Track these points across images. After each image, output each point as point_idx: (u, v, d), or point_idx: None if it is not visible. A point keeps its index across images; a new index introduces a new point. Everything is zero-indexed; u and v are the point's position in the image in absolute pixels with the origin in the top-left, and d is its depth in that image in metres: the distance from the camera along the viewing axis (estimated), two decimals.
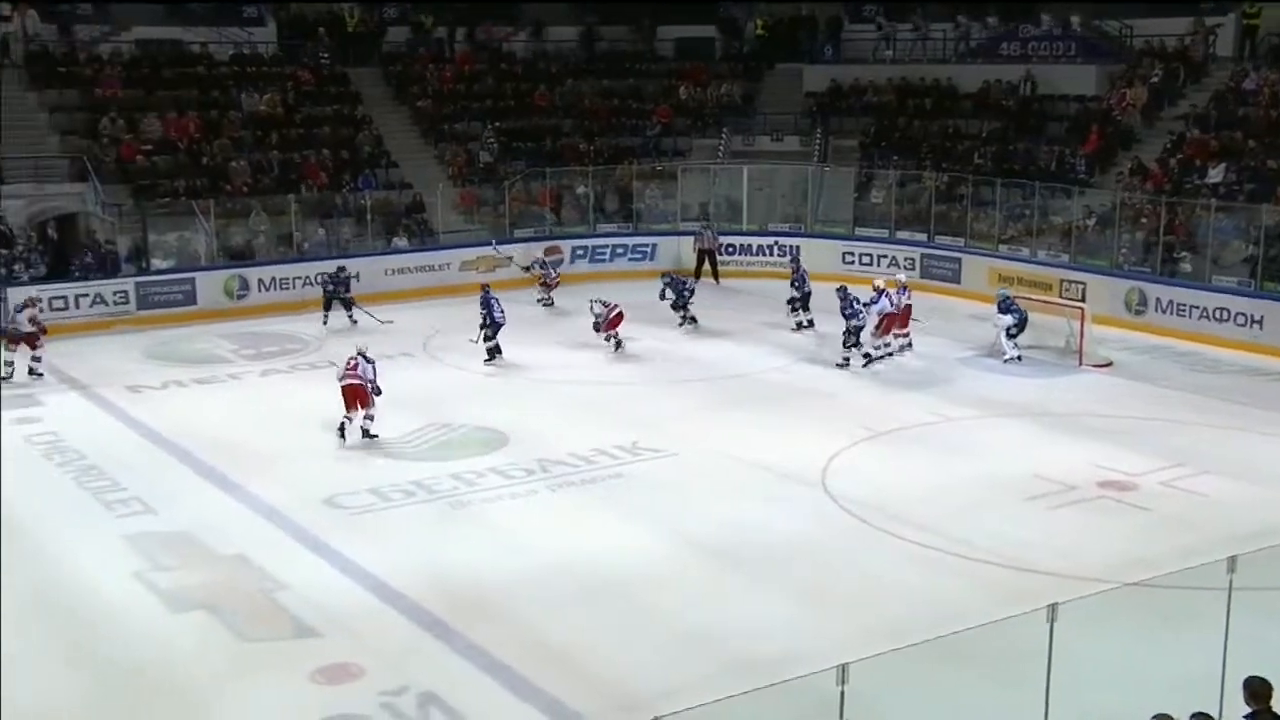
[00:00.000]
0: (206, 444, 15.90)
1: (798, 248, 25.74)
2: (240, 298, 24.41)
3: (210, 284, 24.37)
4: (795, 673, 8.61)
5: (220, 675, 9.89)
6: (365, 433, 16.10)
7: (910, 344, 20.46)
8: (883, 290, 20.00)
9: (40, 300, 20.78)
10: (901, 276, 21.73)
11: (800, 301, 22.43)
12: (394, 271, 26.22)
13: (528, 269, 26.10)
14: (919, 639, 8.55)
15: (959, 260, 25.68)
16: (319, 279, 24.08)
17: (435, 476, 14.56)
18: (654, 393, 18.65)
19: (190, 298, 24.00)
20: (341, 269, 23.94)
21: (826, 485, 14.23)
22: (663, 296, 22.58)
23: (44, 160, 26.51)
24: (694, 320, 22.40)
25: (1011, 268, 24.40)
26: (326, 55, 32.62)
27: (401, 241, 27.70)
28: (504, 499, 13.94)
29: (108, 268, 24.21)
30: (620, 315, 20.99)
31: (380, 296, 24.01)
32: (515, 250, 26.96)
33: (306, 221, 27.01)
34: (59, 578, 11.89)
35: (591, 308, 21.28)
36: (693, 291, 22.70)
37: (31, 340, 19.58)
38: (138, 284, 23.82)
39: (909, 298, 20.72)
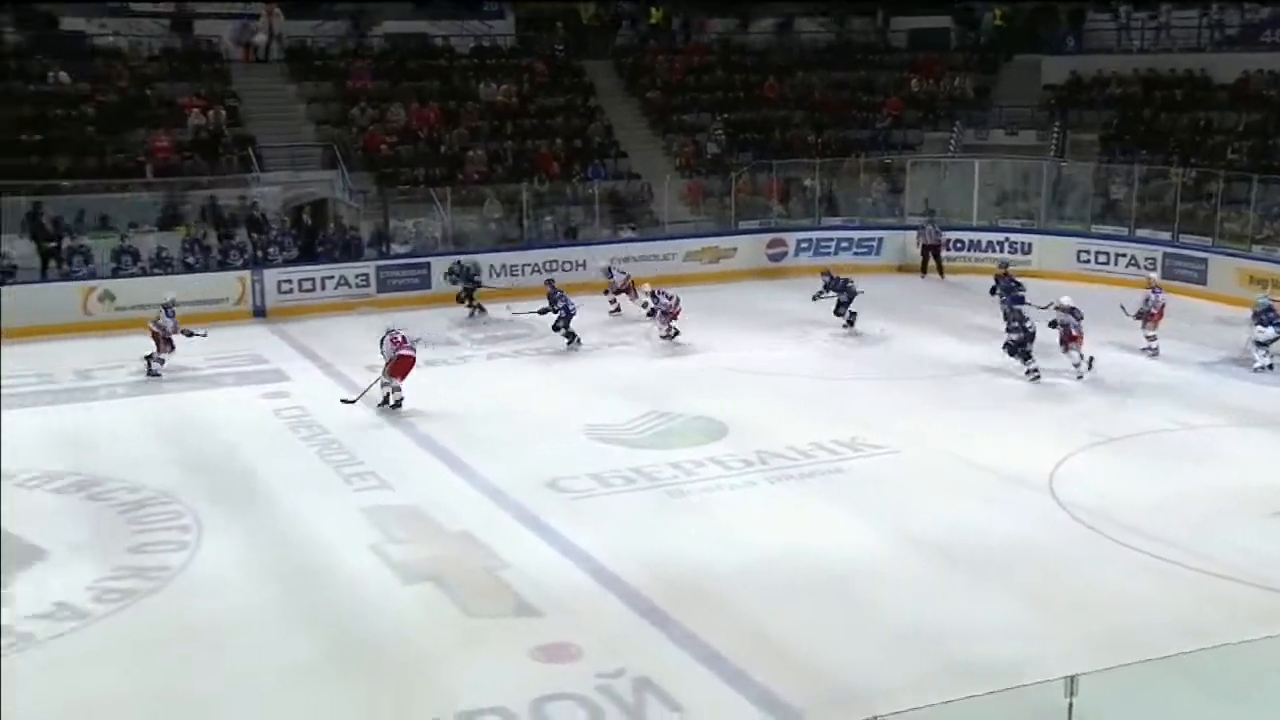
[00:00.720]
0: (436, 424, 16.48)
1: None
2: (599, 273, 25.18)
3: (444, 269, 25.17)
4: (1018, 679, 8.37)
5: (446, 646, 10.22)
6: (398, 403, 17.07)
7: (1156, 349, 19.50)
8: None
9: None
10: (1155, 275, 20.89)
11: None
12: (619, 261, 26.53)
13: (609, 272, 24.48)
14: (1151, 654, 8.15)
15: (1205, 261, 24.36)
16: (451, 272, 24.29)
17: (655, 464, 14.69)
18: (875, 388, 18.36)
19: (425, 282, 24.89)
20: (460, 262, 24.25)
21: (1054, 489, 13.72)
22: (816, 297, 21.77)
23: (299, 149, 27.95)
24: (850, 322, 21.52)
25: (1265, 269, 23.02)
26: (561, 48, 33.31)
27: (628, 231, 28.06)
28: (723, 489, 13.96)
29: (352, 252, 25.35)
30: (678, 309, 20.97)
31: (605, 285, 24.33)
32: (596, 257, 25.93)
33: (536, 210, 27.66)
34: (300, 543, 12.50)
35: (653, 297, 21.21)
36: (851, 294, 21.61)
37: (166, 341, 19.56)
38: (378, 267, 24.84)
39: (1162, 298, 19.82)
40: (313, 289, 24.06)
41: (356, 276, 24.63)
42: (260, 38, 30.42)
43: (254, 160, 26.93)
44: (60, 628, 10.55)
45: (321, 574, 11.72)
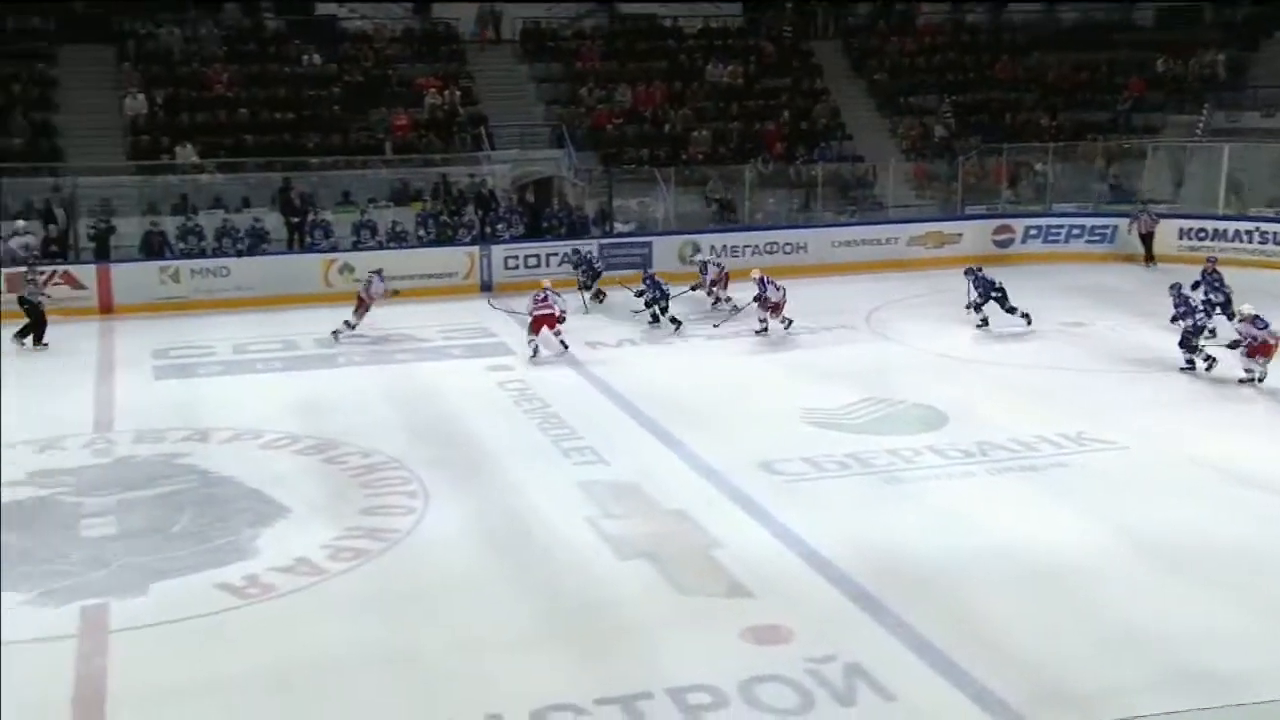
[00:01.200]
0: (654, 401, 16.67)
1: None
2: (693, 263, 25.30)
3: (665, 249, 25.42)
4: (1243, 691, 7.96)
5: (657, 622, 10.36)
6: (564, 345, 19.04)
7: None
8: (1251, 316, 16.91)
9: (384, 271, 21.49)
10: None
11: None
12: (840, 244, 26.31)
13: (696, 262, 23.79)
14: None
15: None
16: (571, 259, 24.05)
17: (871, 451, 14.52)
18: (1104, 383, 17.65)
19: (647, 261, 25.11)
20: (578, 250, 24.09)
21: None
22: (970, 296, 20.73)
23: (528, 128, 28.66)
24: (986, 322, 20.49)
25: None
26: (789, 29, 33.11)
27: (850, 215, 27.76)
28: (940, 479, 13.70)
29: (576, 230, 25.85)
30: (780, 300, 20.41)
31: (826, 268, 24.15)
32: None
33: (759, 191, 27.63)
34: (519, 512, 12.86)
35: (763, 285, 20.41)
36: (1001, 292, 20.50)
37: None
38: (601, 246, 25.24)
39: None
40: (537, 265, 24.66)
41: (585, 253, 25.09)
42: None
43: (485, 139, 27.75)
44: (299, 581, 11.16)
45: (538, 544, 12.03)
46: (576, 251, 24.18)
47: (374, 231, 24.93)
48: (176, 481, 13.81)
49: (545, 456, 14.61)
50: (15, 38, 27.61)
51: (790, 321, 20.56)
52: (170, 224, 24.07)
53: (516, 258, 24.70)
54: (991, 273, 21.26)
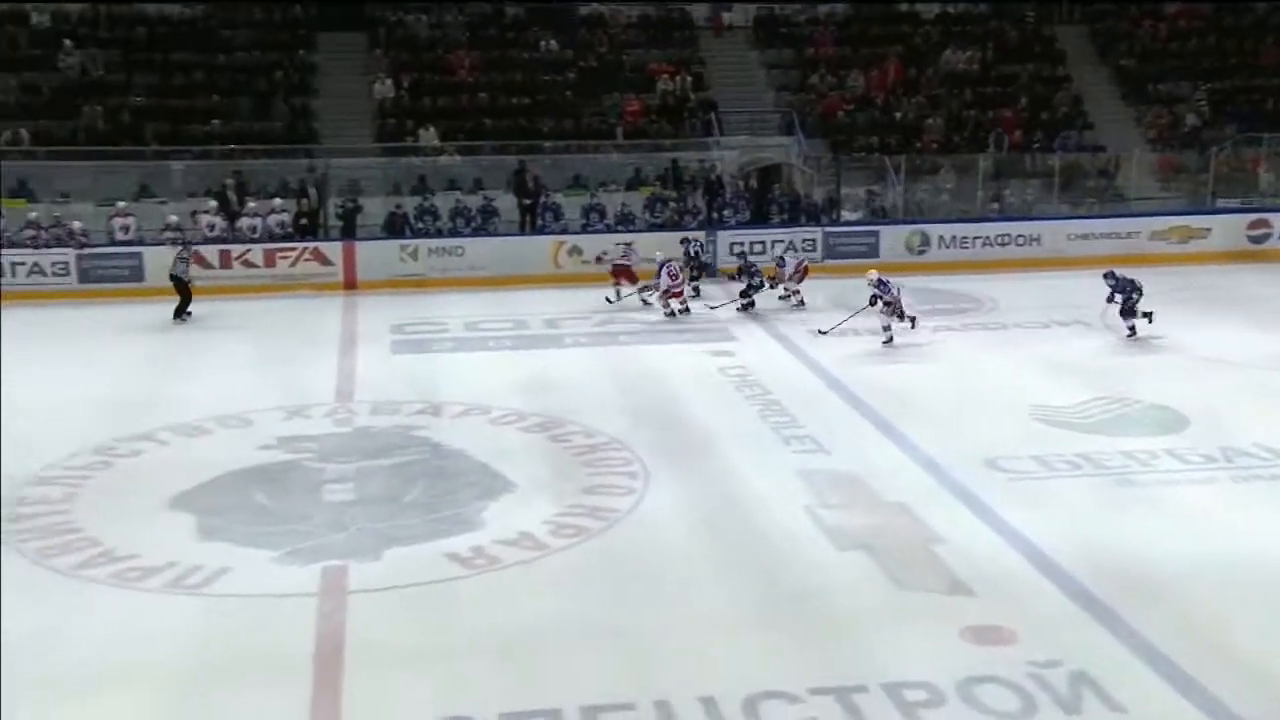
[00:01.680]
0: (877, 392, 16.44)
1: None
2: (920, 253, 24.84)
3: (893, 238, 25.01)
4: None
5: (874, 615, 10.23)
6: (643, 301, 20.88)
7: None
8: None
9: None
10: None
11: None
12: (1076, 237, 25.35)
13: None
14: None
15: None
16: (689, 250, 23.35)
17: (1104, 451, 13.96)
18: None
19: (873, 250, 24.85)
20: (691, 239, 23.47)
21: None
22: (1110, 299, 19.23)
23: (758, 114, 28.62)
24: (1131, 330, 19.02)
25: None
26: (1032, 14, 32.05)
27: (1089, 207, 26.72)
28: (1179, 484, 13.06)
29: (802, 217, 25.69)
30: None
31: (1060, 262, 23.30)
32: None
33: (992, 181, 26.88)
34: (737, 498, 12.88)
35: (880, 286, 18.76)
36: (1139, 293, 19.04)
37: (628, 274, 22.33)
38: (825, 234, 25.03)
39: None
40: (763, 251, 24.62)
41: (804, 241, 24.95)
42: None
43: (715, 125, 27.84)
44: (522, 555, 11.48)
45: (756, 530, 12.03)
46: (685, 240, 23.57)
47: (602, 214, 25.37)
48: (410, 452, 14.38)
49: (765, 443, 14.59)
50: (279, 27, 29.18)
51: (914, 320, 19.33)
52: (409, 204, 25.05)
53: (742, 243, 24.74)
54: (1249, 270, 20.06)
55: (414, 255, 23.96)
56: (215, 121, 26.29)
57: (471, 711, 8.78)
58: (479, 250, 24.14)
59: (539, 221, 25.51)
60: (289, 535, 11.90)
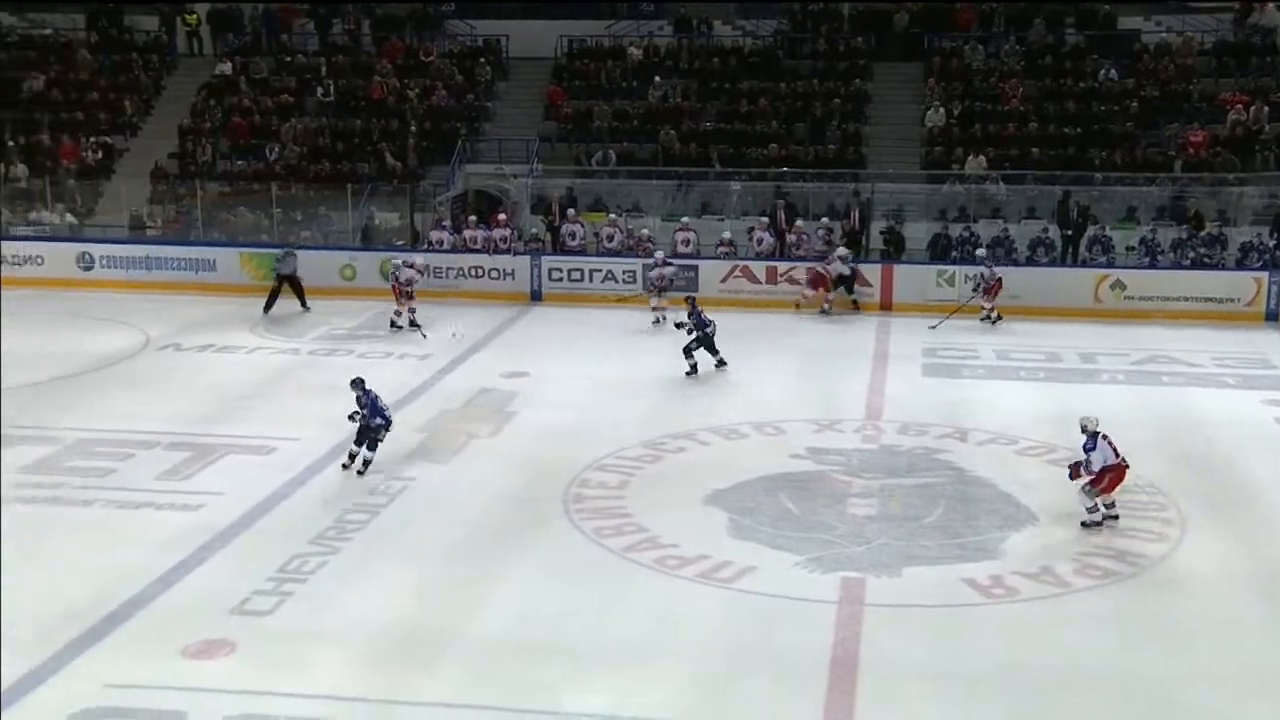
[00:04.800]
0: None
1: None
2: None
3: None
4: None
5: None
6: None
7: None
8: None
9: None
10: None
11: None
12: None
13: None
14: None
15: None
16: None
17: None
18: None
19: None
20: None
21: None
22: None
23: None
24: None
25: None
26: None
27: None
28: None
29: None
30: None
31: None
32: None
33: None
34: None
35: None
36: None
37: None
38: None
39: None
40: None
41: None
42: None
43: None
44: (1041, 589, 11.20)
45: None
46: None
47: (1153, 249, 23.88)
48: (934, 475, 14.40)
49: None
50: (840, 56, 30.10)
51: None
52: (953, 230, 24.90)
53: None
54: None
55: (950, 281, 23.79)
56: (772, 145, 27.54)
57: None
58: (1016, 279, 23.51)
59: (1083, 254, 24.49)
60: (812, 543, 12.32)
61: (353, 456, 14.24)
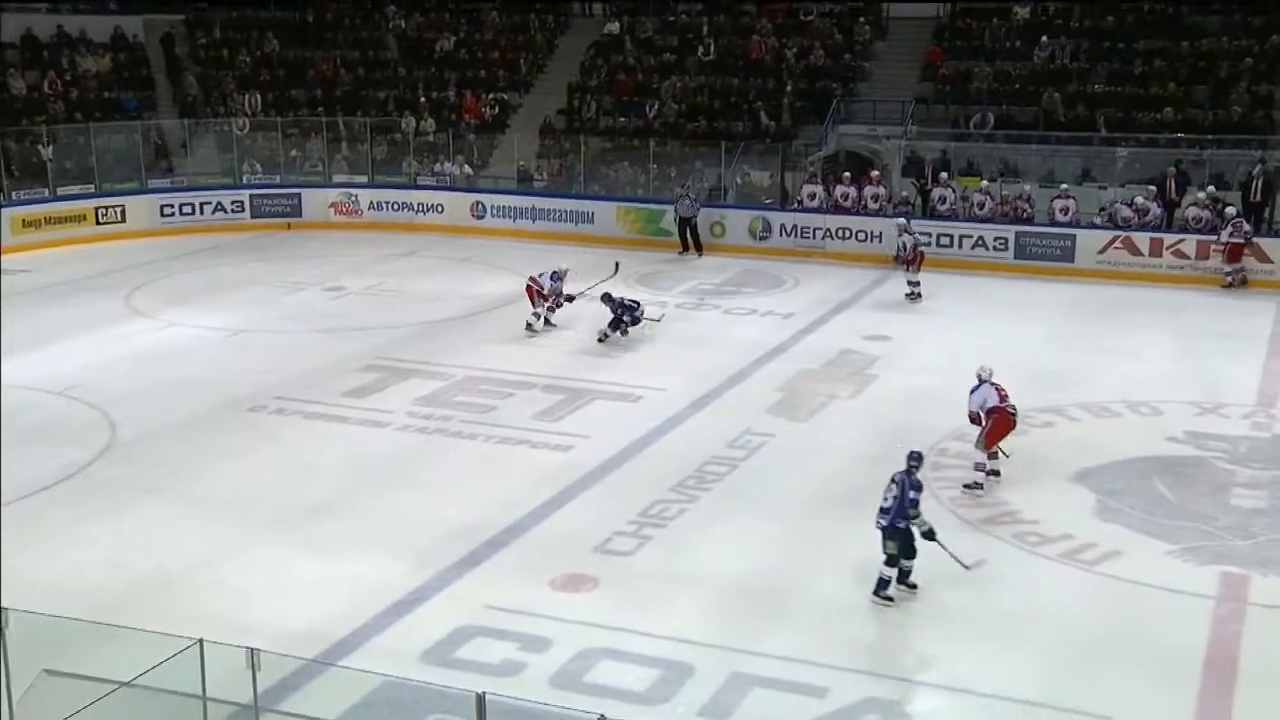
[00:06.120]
0: None
1: None
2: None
3: None
4: None
5: None
6: None
7: None
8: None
9: None
10: None
11: None
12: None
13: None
14: None
15: None
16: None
17: None
18: None
19: None
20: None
21: None
22: None
23: None
24: None
25: None
26: None
27: None
28: None
29: None
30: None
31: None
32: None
33: None
34: None
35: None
36: None
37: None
38: None
39: None
40: None
41: None
42: None
43: None
44: None
45: None
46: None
47: None
48: None
49: None
50: (1254, 10, 27.46)
51: None
52: None
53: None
54: None
55: None
56: (1167, 109, 25.57)
57: None
58: None
59: None
60: (1188, 532, 11.49)
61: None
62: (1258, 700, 8.68)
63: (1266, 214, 23.19)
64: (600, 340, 17.88)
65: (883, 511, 10.16)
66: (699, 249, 24.77)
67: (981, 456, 12.53)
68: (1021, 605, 10.13)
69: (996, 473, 12.62)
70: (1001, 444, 12.67)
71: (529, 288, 18.80)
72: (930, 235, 23.76)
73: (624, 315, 17.97)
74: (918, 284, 20.97)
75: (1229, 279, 21.66)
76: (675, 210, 24.94)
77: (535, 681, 8.89)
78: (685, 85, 29.62)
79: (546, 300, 18.75)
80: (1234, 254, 21.64)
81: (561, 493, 12.46)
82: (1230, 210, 22.28)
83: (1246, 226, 21.80)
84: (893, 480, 10.25)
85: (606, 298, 18.11)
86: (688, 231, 24.86)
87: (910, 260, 21.12)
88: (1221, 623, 9.77)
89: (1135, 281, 21.96)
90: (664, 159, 27.55)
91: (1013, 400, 12.58)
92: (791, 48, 29.73)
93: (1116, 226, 22.94)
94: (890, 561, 10.09)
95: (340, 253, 25.01)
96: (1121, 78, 27.00)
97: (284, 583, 10.46)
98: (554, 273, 18.94)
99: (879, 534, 10.13)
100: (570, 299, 18.99)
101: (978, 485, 12.49)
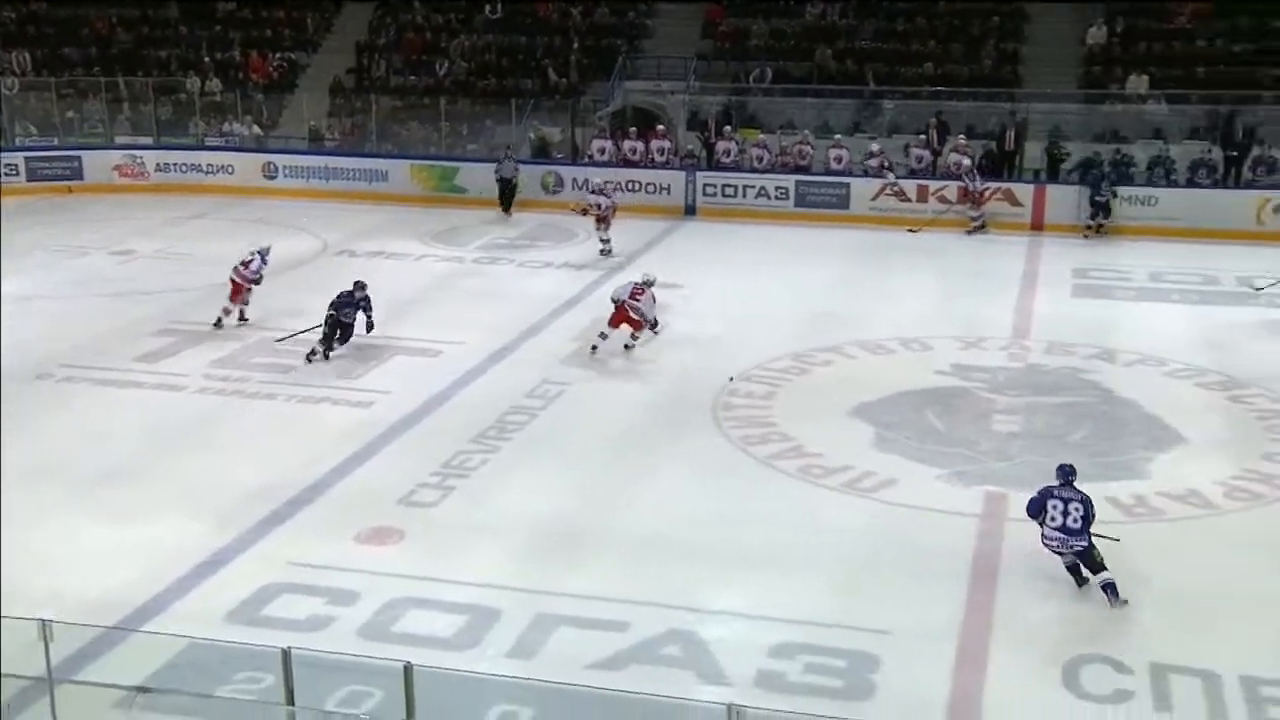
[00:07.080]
0: None
1: None
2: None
3: None
4: None
5: None
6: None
7: None
8: None
9: None
10: None
11: None
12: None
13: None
14: None
15: None
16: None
17: None
18: None
19: None
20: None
21: None
22: None
23: None
24: None
25: None
26: None
27: None
28: None
29: None
30: None
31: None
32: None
33: None
34: None
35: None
36: None
37: None
38: None
39: None
40: None
41: None
42: None
43: None
44: (1188, 511, 10.82)
45: None
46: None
47: None
48: (1079, 394, 13.96)
49: None
50: None
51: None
52: (1105, 151, 23.79)
53: None
54: None
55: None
56: (927, 65, 26.58)
57: (1123, 656, 8.52)
58: (1174, 201, 22.43)
59: (1246, 175, 23.17)
60: (955, 457, 12.10)
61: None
62: (1015, 597, 9.33)
63: (1017, 161, 24.41)
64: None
65: (1074, 533, 9.17)
66: (508, 210, 24.24)
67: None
68: (807, 535, 10.49)
69: (595, 348, 15.00)
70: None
71: (234, 281, 16.28)
72: (716, 186, 24.19)
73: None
74: (609, 240, 20.93)
75: (975, 224, 22.74)
76: (497, 171, 24.47)
77: (344, 634, 8.76)
78: (474, 44, 29.16)
79: (249, 289, 16.35)
80: (977, 200, 22.72)
81: (364, 448, 12.24)
82: (966, 161, 23.33)
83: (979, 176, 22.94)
84: (1057, 498, 9.29)
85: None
86: (508, 191, 24.39)
87: (603, 218, 20.97)
88: (985, 537, 10.35)
89: (903, 227, 22.77)
90: (455, 117, 27.12)
91: (653, 316, 15.00)
92: (576, 5, 29.59)
93: (949, 176, 23.56)
94: (1099, 568, 9.18)
95: (127, 216, 23.79)
96: (886, 34, 27.88)
97: (79, 552, 9.97)
98: (261, 251, 16.62)
99: (1064, 555, 9.35)
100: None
101: (594, 349, 15.05)
